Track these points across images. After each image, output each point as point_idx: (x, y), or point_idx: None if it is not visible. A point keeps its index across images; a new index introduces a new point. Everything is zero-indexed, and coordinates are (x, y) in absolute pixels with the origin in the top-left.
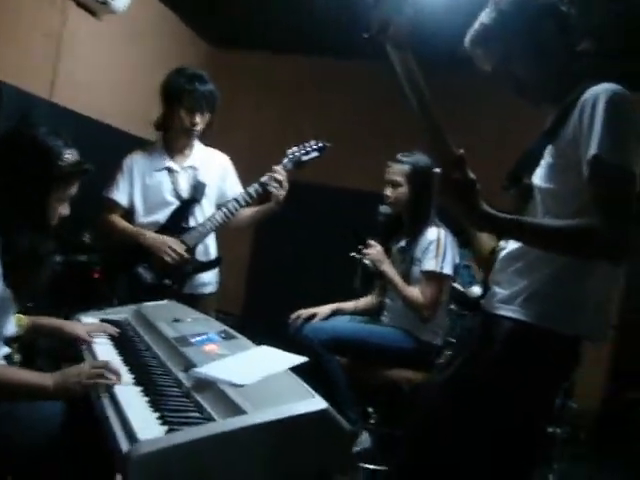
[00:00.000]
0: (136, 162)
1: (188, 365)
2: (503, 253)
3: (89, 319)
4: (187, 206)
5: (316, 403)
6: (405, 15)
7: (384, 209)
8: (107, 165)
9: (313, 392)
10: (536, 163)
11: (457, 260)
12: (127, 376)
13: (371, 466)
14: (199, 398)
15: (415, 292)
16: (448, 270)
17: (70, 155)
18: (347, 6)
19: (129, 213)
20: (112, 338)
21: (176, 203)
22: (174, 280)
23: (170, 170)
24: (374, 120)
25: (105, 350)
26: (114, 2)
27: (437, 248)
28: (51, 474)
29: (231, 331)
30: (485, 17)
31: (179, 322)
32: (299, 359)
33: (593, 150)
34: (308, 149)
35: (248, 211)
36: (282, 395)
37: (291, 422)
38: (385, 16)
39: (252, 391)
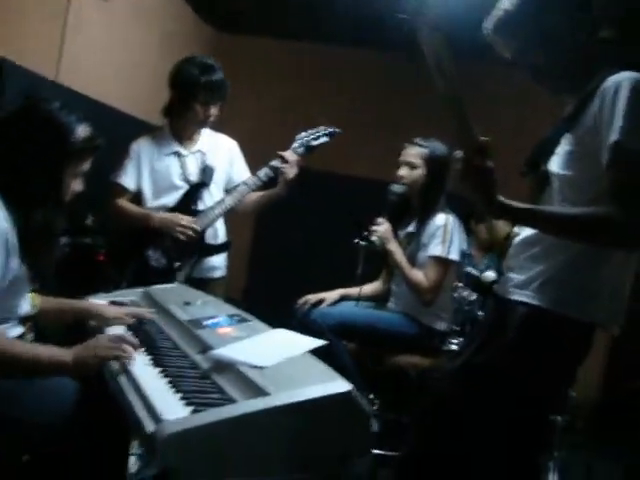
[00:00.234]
0: (144, 147)
1: (204, 348)
2: (518, 239)
3: (100, 302)
4: (196, 190)
5: (339, 385)
6: None
7: (397, 188)
8: (111, 148)
9: (335, 374)
10: (553, 150)
11: (464, 247)
12: (144, 357)
13: (378, 451)
14: (218, 380)
15: (419, 275)
16: (454, 256)
17: (83, 130)
18: None
19: (137, 197)
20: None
21: (185, 187)
22: (184, 264)
23: (178, 154)
24: (379, 109)
25: (118, 332)
26: None
27: (444, 234)
28: (66, 453)
29: (244, 314)
30: (505, 3)
31: (190, 305)
32: (317, 342)
33: (614, 136)
34: (318, 134)
35: (254, 196)
36: (304, 377)
37: (314, 404)
38: None
39: (273, 373)
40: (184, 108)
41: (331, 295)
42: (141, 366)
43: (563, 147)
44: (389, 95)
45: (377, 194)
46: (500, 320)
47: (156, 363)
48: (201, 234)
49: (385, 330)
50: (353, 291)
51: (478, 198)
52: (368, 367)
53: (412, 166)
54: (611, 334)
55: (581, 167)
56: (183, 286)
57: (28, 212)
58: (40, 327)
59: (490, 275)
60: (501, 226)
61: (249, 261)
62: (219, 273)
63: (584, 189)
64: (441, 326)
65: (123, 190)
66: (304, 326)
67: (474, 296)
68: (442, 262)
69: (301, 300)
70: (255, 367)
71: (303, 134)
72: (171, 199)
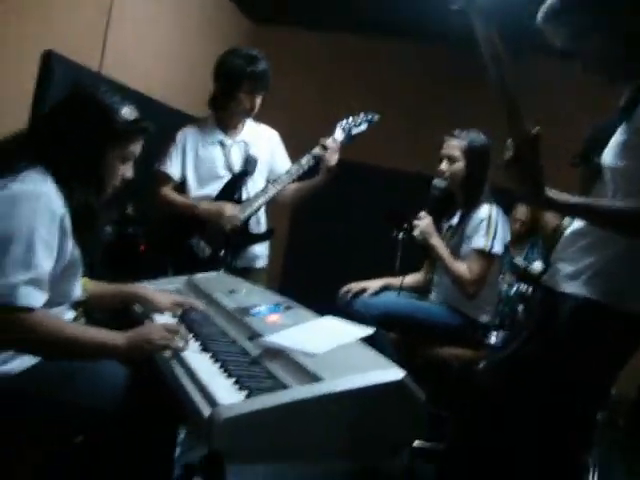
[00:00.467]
0: (189, 136)
1: (253, 335)
2: (568, 230)
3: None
4: (239, 179)
5: (393, 373)
6: None
7: (438, 183)
8: (150, 138)
9: (388, 362)
10: (606, 142)
11: (508, 238)
12: (193, 343)
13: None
14: (269, 366)
15: (462, 268)
16: (498, 249)
17: (128, 112)
18: None
19: (181, 186)
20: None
21: (228, 176)
22: (227, 252)
23: (222, 144)
24: (417, 99)
25: (164, 319)
26: None
27: (488, 226)
28: (116, 437)
29: (290, 302)
30: None
31: (235, 293)
32: (366, 330)
33: None
34: (358, 121)
35: (295, 185)
36: (357, 364)
37: (369, 391)
38: None
39: (325, 360)
40: (229, 99)
41: (374, 284)
42: (192, 352)
43: (617, 138)
44: (428, 86)
45: (415, 186)
46: (549, 312)
47: (205, 349)
48: (245, 223)
49: (429, 321)
50: (395, 281)
51: (525, 190)
52: (409, 358)
53: (452, 159)
54: None
55: (635, 158)
56: (226, 275)
57: (71, 192)
58: (88, 311)
59: (538, 266)
60: (550, 218)
61: (285, 251)
62: (261, 263)
63: (637, 181)
64: (484, 319)
65: (168, 178)
66: (347, 315)
67: (514, 290)
68: (485, 255)
69: (344, 288)
70: (307, 354)
71: (344, 121)
72: (215, 188)
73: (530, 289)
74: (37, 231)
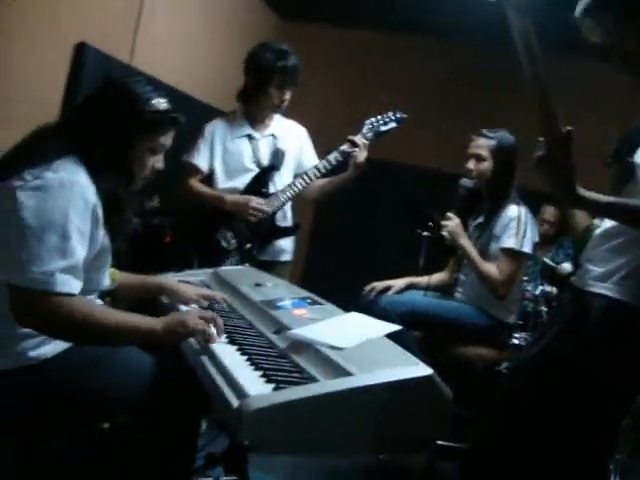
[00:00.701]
0: (217, 128)
1: (280, 328)
2: (598, 230)
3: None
4: (267, 173)
5: (421, 369)
6: None
7: (465, 182)
8: (180, 131)
9: (415, 359)
10: (639, 142)
11: (536, 239)
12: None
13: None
14: (296, 359)
15: (492, 268)
16: (527, 249)
17: (159, 103)
18: None
19: (209, 178)
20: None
21: (256, 170)
22: (254, 245)
23: (251, 137)
24: (444, 98)
25: (192, 310)
26: None
27: (518, 226)
28: (140, 426)
29: (316, 297)
30: None
31: (261, 286)
32: (392, 326)
33: None
34: (387, 119)
35: (322, 181)
36: (385, 360)
37: (397, 386)
38: None
39: (353, 354)
40: (259, 93)
41: (398, 283)
42: (219, 343)
43: None
44: (453, 84)
45: (439, 184)
46: (577, 312)
47: (232, 341)
48: (272, 216)
49: (456, 320)
50: (420, 280)
51: (557, 188)
52: (433, 357)
53: (480, 158)
54: None
55: None
56: (252, 268)
57: (101, 182)
58: (115, 301)
59: (567, 267)
60: (581, 218)
61: (308, 246)
62: (286, 257)
63: None
64: (510, 319)
65: (196, 170)
66: (370, 312)
67: (538, 291)
68: (515, 255)
69: (368, 287)
70: (334, 348)
71: (372, 119)
72: (242, 181)
73: (555, 290)
74: (71, 219)
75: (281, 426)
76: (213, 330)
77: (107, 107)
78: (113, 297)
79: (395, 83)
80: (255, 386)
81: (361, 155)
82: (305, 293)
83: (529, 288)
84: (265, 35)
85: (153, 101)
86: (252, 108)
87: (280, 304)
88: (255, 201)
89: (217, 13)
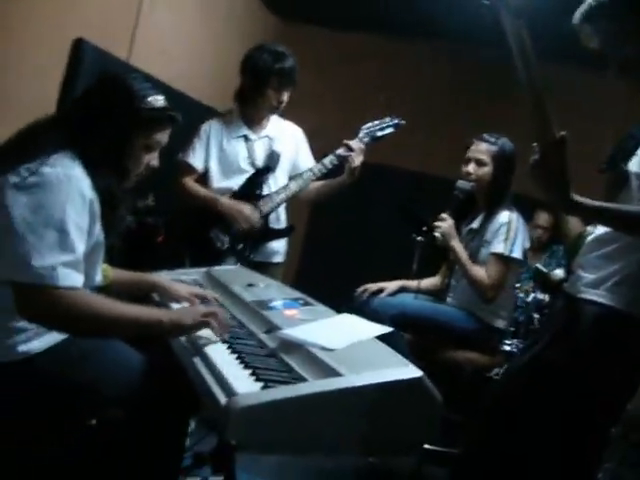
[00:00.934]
0: (214, 128)
1: (271, 328)
2: (590, 237)
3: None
4: (262, 174)
5: (411, 371)
6: None
7: (463, 184)
8: (175, 130)
9: (406, 360)
10: (634, 150)
11: (527, 245)
12: (210, 334)
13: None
14: (286, 359)
15: (481, 272)
16: (517, 254)
17: (156, 100)
18: None
19: (204, 177)
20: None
21: (251, 171)
22: (246, 246)
23: (247, 138)
24: (438, 103)
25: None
26: None
27: (508, 231)
28: (129, 422)
29: (308, 298)
30: None
31: (253, 286)
32: (383, 328)
33: None
34: (384, 125)
35: (317, 183)
36: (375, 361)
37: (387, 388)
38: None
39: (343, 355)
40: (256, 94)
41: (391, 285)
42: (209, 342)
43: None
44: (447, 89)
45: (435, 189)
46: (570, 319)
47: (223, 340)
48: (265, 218)
49: (445, 323)
50: (412, 284)
51: (551, 194)
52: (423, 359)
53: (480, 163)
54: None
55: None
56: (244, 268)
57: (94, 178)
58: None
59: (559, 273)
60: (575, 224)
61: (302, 248)
62: (279, 258)
63: None
64: (500, 324)
65: (191, 169)
66: (362, 314)
67: (530, 298)
68: (504, 260)
69: (360, 288)
70: (325, 349)
71: (369, 124)
72: (237, 182)
73: (547, 298)
74: (69, 214)
75: (268, 425)
76: (220, 322)
77: (104, 102)
78: (106, 293)
79: (395, 87)
80: (244, 384)
81: (357, 160)
82: (297, 294)
83: (521, 295)
84: (263, 36)
85: (150, 98)
86: (249, 109)
87: (272, 304)
88: (247, 210)
89: (215, 12)
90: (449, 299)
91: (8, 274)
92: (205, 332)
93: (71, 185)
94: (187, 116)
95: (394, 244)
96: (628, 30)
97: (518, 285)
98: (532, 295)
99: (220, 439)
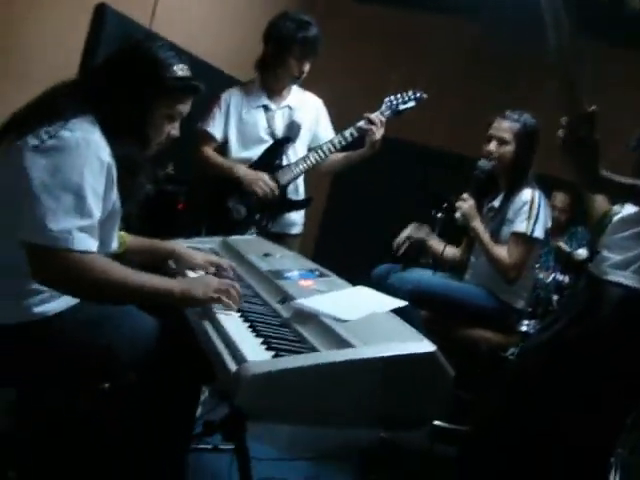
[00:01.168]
0: (234, 98)
1: (285, 297)
2: (617, 217)
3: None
4: (281, 145)
5: (425, 345)
6: None
7: (484, 164)
8: (196, 99)
9: (420, 335)
10: None
11: (549, 224)
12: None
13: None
14: (299, 329)
15: (502, 252)
16: (539, 234)
17: (181, 69)
18: None
19: (223, 147)
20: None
21: (270, 141)
22: (264, 216)
23: (267, 108)
24: (463, 78)
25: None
26: None
27: (530, 210)
28: (143, 386)
29: (324, 270)
30: None
31: (269, 256)
32: (398, 302)
33: None
34: (406, 98)
35: (337, 155)
36: (388, 334)
37: (399, 361)
38: None
39: (356, 327)
40: (278, 63)
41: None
42: (223, 310)
43: None
44: (475, 65)
45: (456, 166)
46: (594, 300)
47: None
48: (283, 189)
49: (462, 301)
50: (435, 244)
51: (579, 169)
52: (438, 336)
53: (502, 141)
54: None
55: None
56: (261, 238)
57: (114, 144)
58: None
59: (582, 253)
60: (600, 203)
61: (321, 221)
62: (296, 230)
63: None
64: (519, 304)
65: (210, 138)
66: (380, 288)
67: (550, 278)
68: (526, 239)
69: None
70: (338, 319)
71: (392, 97)
72: (256, 152)
73: (567, 279)
74: (87, 179)
75: (278, 393)
76: (233, 296)
77: (129, 70)
78: (120, 260)
79: (420, 62)
80: (255, 352)
81: (378, 133)
82: (313, 265)
83: (540, 276)
84: (289, 5)
85: (175, 67)
86: (270, 78)
87: (287, 275)
88: (265, 178)
89: None
90: (467, 276)
91: (24, 235)
92: None
93: (90, 150)
94: (208, 85)
95: (414, 219)
96: None
97: (538, 265)
98: (552, 275)
99: (231, 407)
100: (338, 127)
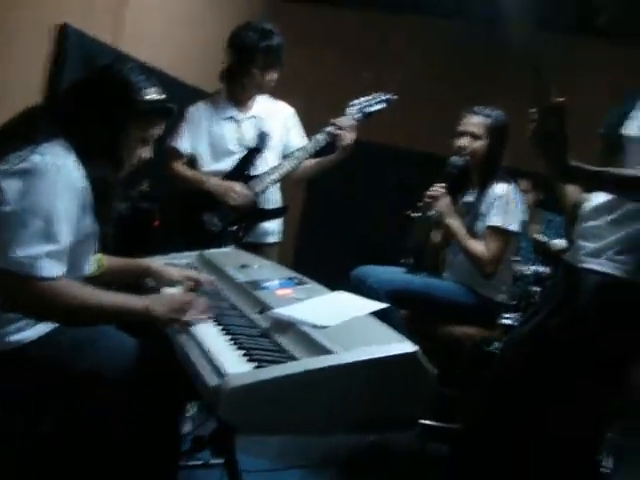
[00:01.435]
0: (200, 111)
1: (263, 308)
2: (590, 205)
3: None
4: (251, 155)
5: (405, 346)
6: None
7: (456, 160)
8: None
9: (400, 336)
10: (628, 114)
11: (525, 218)
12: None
13: (428, 422)
14: (278, 338)
15: (479, 247)
16: (515, 227)
17: (153, 93)
18: None
19: (193, 162)
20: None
21: (241, 152)
22: (239, 228)
23: (234, 119)
24: (429, 81)
25: (175, 292)
26: None
27: (505, 204)
28: (125, 408)
29: (302, 277)
30: None
31: (247, 268)
32: (378, 304)
33: None
34: (375, 100)
35: (310, 162)
36: (368, 337)
37: (380, 364)
38: None
39: (336, 333)
40: (243, 73)
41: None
42: (202, 324)
43: (638, 110)
44: (438, 66)
45: (428, 165)
46: (572, 289)
47: (216, 322)
48: (257, 198)
49: (443, 299)
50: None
51: (549, 159)
52: (421, 336)
53: (474, 136)
54: None
55: None
56: (238, 250)
57: (87, 167)
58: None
59: (559, 243)
60: (572, 193)
61: (300, 228)
62: (273, 239)
63: None
64: (499, 298)
65: (179, 154)
66: (359, 292)
67: (529, 270)
68: (502, 233)
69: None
70: (317, 327)
71: (361, 99)
72: (227, 164)
73: (546, 270)
74: (57, 204)
75: (262, 404)
76: (194, 313)
77: (102, 94)
78: (96, 282)
79: (389, 63)
80: (236, 365)
81: (349, 136)
82: (291, 273)
83: (520, 268)
84: (251, 15)
85: (147, 90)
86: (236, 89)
87: (265, 285)
88: (238, 186)
89: None
90: (446, 274)
91: None
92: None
93: (60, 174)
94: (177, 100)
95: (390, 220)
96: None
97: (518, 258)
98: (531, 268)
99: (218, 422)
100: (310, 133)
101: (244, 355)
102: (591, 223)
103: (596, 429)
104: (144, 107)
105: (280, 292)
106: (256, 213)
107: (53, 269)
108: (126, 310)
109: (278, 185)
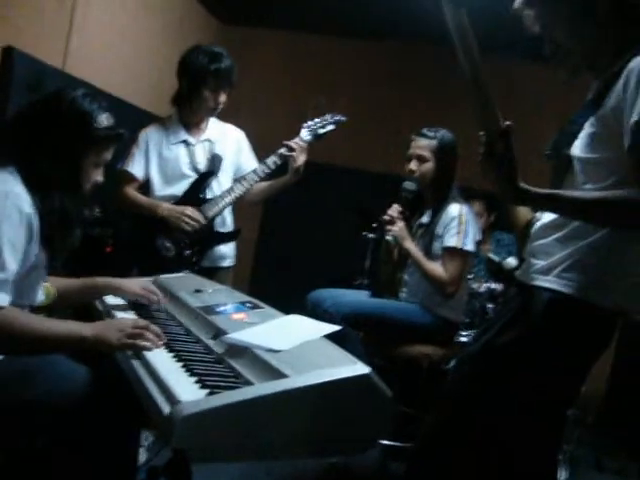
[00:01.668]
0: (152, 135)
1: (217, 333)
2: (538, 224)
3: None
4: (204, 179)
5: (359, 368)
6: None
7: (409, 185)
8: None
9: (354, 358)
10: (576, 134)
11: (478, 237)
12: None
13: (388, 442)
14: (233, 363)
15: (438, 268)
16: (470, 247)
17: (105, 119)
18: None
19: (145, 186)
20: (133, 306)
21: (193, 176)
22: (193, 252)
23: (187, 143)
24: (378, 102)
25: (127, 317)
26: None
27: (459, 224)
28: (77, 438)
29: (256, 301)
30: None
31: (201, 293)
32: (332, 327)
33: (635, 117)
34: (325, 122)
35: (262, 184)
36: (322, 360)
37: (334, 386)
38: None
39: (290, 356)
40: (193, 96)
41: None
42: (154, 350)
43: (586, 130)
44: (388, 88)
45: (383, 185)
46: (523, 306)
47: (168, 348)
48: (210, 222)
49: (399, 320)
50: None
51: (499, 184)
52: (379, 357)
53: (422, 159)
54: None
55: (604, 150)
56: (192, 275)
57: (45, 197)
58: (49, 316)
59: (511, 261)
60: (523, 213)
61: (255, 251)
62: (228, 262)
63: (607, 172)
64: (454, 317)
65: (131, 178)
66: (315, 315)
67: (483, 288)
68: (458, 253)
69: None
70: (271, 350)
71: (310, 122)
72: (179, 188)
73: (500, 287)
74: (3, 232)
75: (216, 431)
76: (148, 338)
77: (57, 126)
78: (49, 311)
79: (338, 85)
80: (188, 392)
81: (300, 158)
82: (245, 297)
83: (474, 286)
84: (205, 39)
85: (100, 117)
86: (187, 112)
87: (219, 309)
88: (190, 210)
89: (154, 18)
90: (402, 294)
91: None
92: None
93: (7, 201)
94: (127, 123)
95: (347, 242)
96: (559, 16)
97: (471, 276)
98: (485, 285)
99: (172, 451)
100: (263, 156)
101: (197, 382)
102: (541, 241)
103: (551, 441)
104: (99, 133)
105: (234, 316)
106: (209, 237)
107: None
108: (74, 338)
109: (230, 208)
